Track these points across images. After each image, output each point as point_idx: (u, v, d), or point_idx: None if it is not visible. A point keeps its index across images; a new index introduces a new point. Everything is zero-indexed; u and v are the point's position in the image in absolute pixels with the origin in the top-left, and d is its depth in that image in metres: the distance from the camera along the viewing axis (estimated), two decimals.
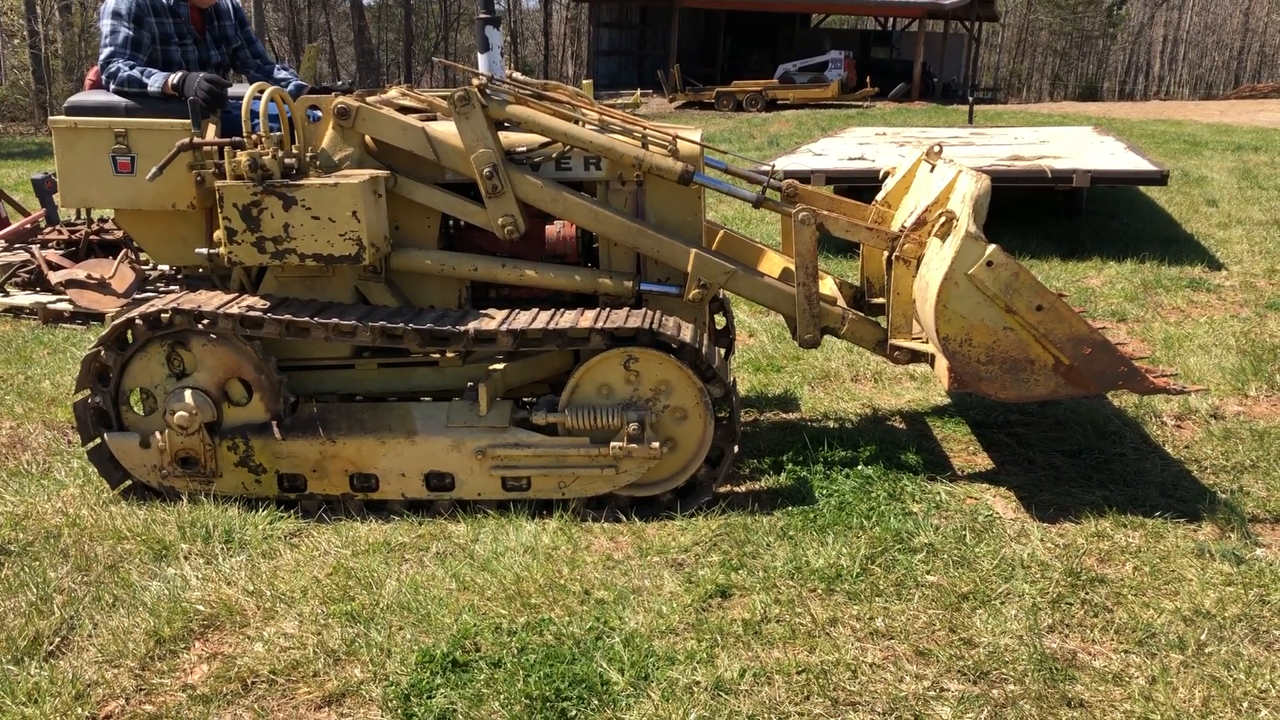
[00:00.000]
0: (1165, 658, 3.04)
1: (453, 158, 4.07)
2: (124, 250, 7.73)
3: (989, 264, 3.66)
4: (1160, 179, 9.11)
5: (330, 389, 4.26)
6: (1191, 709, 2.81)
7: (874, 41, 38.26)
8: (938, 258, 3.81)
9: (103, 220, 8.39)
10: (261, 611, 3.34)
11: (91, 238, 8.14)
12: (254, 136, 3.89)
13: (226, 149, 3.95)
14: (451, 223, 4.34)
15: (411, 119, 4.11)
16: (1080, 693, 2.90)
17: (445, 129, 4.08)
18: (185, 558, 3.66)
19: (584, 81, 5.39)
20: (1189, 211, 10.81)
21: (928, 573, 3.52)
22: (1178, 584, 3.44)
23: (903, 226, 4.24)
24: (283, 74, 4.90)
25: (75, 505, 4.09)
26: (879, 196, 4.79)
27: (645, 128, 4.18)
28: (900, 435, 4.82)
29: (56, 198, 9.38)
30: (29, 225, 8.92)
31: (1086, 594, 3.39)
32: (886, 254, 4.30)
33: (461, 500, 4.06)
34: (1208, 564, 3.56)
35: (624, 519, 3.97)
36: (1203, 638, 3.12)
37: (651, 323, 3.87)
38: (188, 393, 3.98)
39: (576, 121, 4.11)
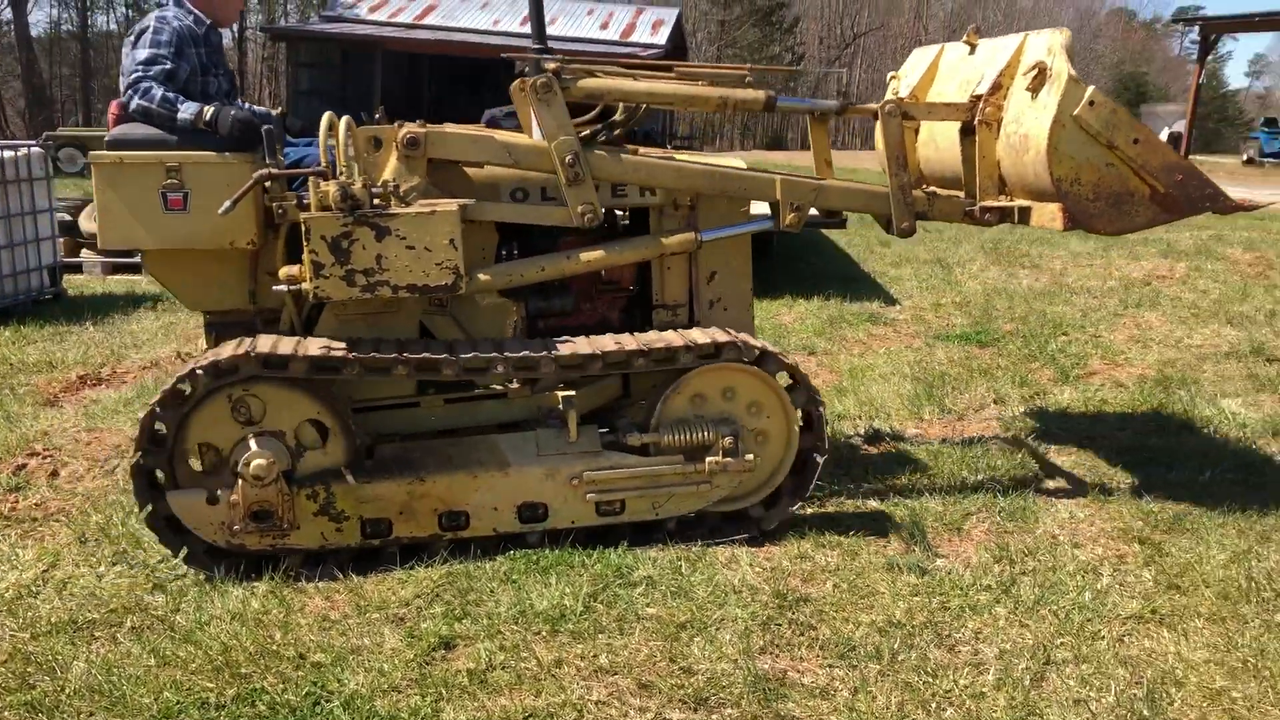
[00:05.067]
0: (865, 668, 3.26)
1: (529, 156, 4.09)
2: None
3: (1090, 103, 3.89)
4: (840, 223, 9.93)
5: (395, 428, 4.03)
6: (889, 715, 3.03)
7: None
8: (1033, 108, 4.01)
9: None
10: None
11: None
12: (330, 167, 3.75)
13: (310, 179, 3.73)
14: (503, 251, 4.29)
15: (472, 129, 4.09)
16: (792, 710, 3.06)
17: (512, 135, 4.14)
18: None
19: None
20: (865, 252, 11.81)
21: (648, 605, 3.61)
22: (872, 598, 3.71)
23: (974, 95, 4.35)
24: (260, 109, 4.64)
25: None
26: (903, 92, 5.01)
27: (711, 69, 4.35)
28: None
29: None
30: None
31: (793, 614, 3.58)
32: (963, 124, 4.39)
33: (553, 530, 3.93)
34: (897, 577, 3.86)
35: (341, 577, 3.81)
36: (895, 646, 3.37)
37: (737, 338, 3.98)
38: (269, 440, 3.70)
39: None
